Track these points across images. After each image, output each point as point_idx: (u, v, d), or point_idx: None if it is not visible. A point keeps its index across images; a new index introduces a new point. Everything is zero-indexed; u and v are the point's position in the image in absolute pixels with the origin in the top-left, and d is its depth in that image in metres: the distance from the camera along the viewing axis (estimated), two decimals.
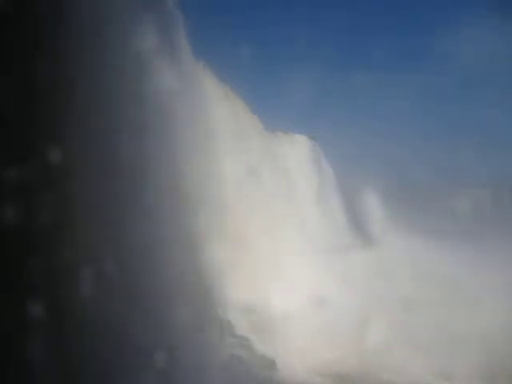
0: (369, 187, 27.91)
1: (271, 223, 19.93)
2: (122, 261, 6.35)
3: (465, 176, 35.49)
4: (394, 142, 34.23)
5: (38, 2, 5.73)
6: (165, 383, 7.26)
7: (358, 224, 27.42)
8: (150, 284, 7.16)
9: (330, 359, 14.86)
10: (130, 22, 7.48)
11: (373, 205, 27.90)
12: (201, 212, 10.28)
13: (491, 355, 15.32)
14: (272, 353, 14.36)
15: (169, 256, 7.95)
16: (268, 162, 22.10)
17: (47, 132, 5.60)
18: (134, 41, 7.62)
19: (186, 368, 7.81)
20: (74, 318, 5.72)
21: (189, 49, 14.77)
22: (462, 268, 19.39)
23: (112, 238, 6.41)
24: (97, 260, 5.98)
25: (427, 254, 20.53)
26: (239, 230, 17.09)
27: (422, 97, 54.03)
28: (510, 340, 15.51)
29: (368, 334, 15.85)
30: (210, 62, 18.68)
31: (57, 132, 5.67)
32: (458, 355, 15.38)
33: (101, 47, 6.49)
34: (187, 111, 11.65)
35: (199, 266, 9.61)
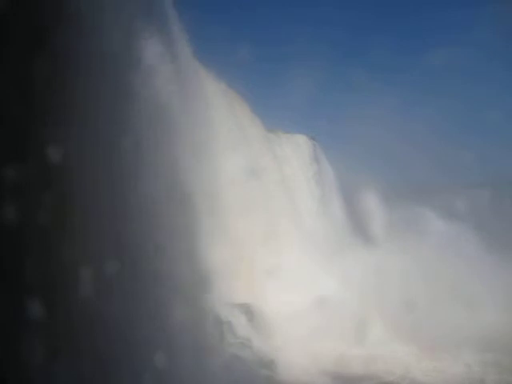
0: (369, 187, 27.88)
1: (271, 223, 19.91)
2: (122, 261, 6.34)
3: (465, 176, 35.52)
4: (395, 142, 34.19)
5: (37, 2, 5.72)
6: (164, 383, 7.26)
7: (358, 224, 27.38)
8: (150, 284, 7.16)
9: (330, 359, 14.85)
10: (128, 21, 7.47)
11: (373, 204, 27.86)
12: (201, 212, 10.27)
13: (491, 354, 15.32)
14: (272, 353, 14.34)
15: (168, 256, 7.95)
16: (268, 161, 22.08)
17: (46, 132, 5.60)
18: (134, 41, 7.62)
19: (185, 368, 7.81)
20: (74, 318, 5.72)
21: (188, 48, 14.74)
22: (461, 268, 19.38)
23: (111, 238, 6.40)
24: (96, 260, 5.98)
25: (427, 253, 20.50)
26: (239, 230, 17.07)
27: (423, 96, 54.00)
28: (510, 339, 15.52)
29: (368, 334, 15.84)
30: (209, 61, 18.67)
31: (56, 132, 5.67)
32: (458, 354, 15.38)
33: (100, 47, 6.48)
34: (187, 111, 11.64)
35: (199, 265, 9.60)
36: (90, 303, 5.71)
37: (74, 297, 5.65)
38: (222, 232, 14.40)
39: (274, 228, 20.01)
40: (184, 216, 8.99)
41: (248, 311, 16.10)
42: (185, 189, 9.25)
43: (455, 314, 16.40)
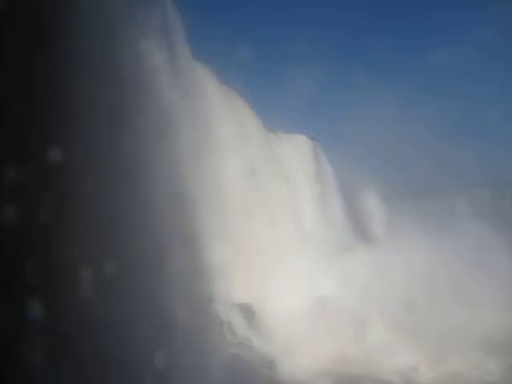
0: (369, 187, 27.88)
1: (271, 223, 19.91)
2: (122, 261, 6.34)
3: (465, 176, 35.52)
4: (395, 142, 34.18)
5: (37, 2, 5.72)
6: (165, 383, 7.26)
7: (358, 224, 27.39)
8: (150, 284, 7.16)
9: (329, 359, 14.85)
10: (128, 21, 7.48)
11: (373, 204, 27.87)
12: (201, 212, 10.27)
13: (492, 354, 15.32)
14: (272, 353, 14.35)
15: (168, 256, 7.94)
16: (268, 161, 22.07)
17: (47, 132, 5.60)
18: (133, 40, 7.62)
19: (185, 368, 7.81)
20: (74, 318, 5.72)
21: (188, 48, 14.74)
22: (461, 268, 19.38)
23: (112, 238, 6.40)
24: (96, 260, 5.97)
25: (427, 253, 20.51)
26: (239, 230, 17.07)
27: (423, 96, 53.95)
28: (510, 339, 15.52)
29: (368, 334, 15.84)
30: (209, 61, 18.66)
31: (57, 132, 5.67)
32: (459, 354, 15.38)
33: (100, 47, 6.48)
34: (187, 111, 11.64)
35: (199, 265, 9.60)
36: (90, 303, 5.70)
37: (75, 297, 5.65)
38: (221, 232, 14.40)
39: (273, 228, 20.00)
40: (184, 216, 8.99)
41: (248, 311, 16.12)
42: (185, 189, 9.25)
43: (456, 314, 16.39)
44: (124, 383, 6.55)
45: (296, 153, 26.11)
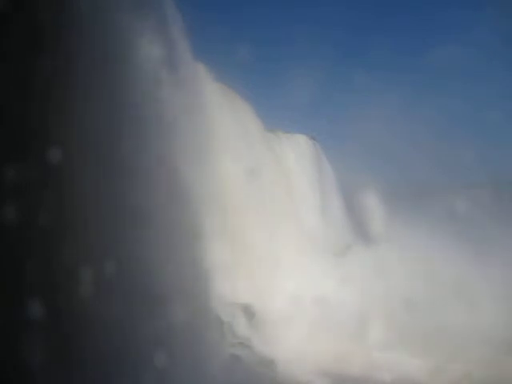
0: (369, 187, 27.87)
1: (271, 223, 19.91)
2: (122, 261, 6.34)
3: (465, 176, 35.47)
4: (395, 142, 34.14)
5: (38, 3, 5.73)
6: (164, 383, 7.26)
7: (358, 223, 27.39)
8: (150, 284, 7.16)
9: (330, 359, 14.84)
10: (128, 21, 7.48)
11: (373, 204, 27.86)
12: (201, 212, 10.28)
13: (490, 355, 15.29)
14: (272, 353, 14.34)
15: (168, 256, 7.95)
16: (268, 161, 22.06)
17: (47, 132, 5.60)
18: (134, 40, 7.62)
19: (185, 368, 7.81)
20: (74, 318, 5.72)
21: (188, 48, 14.73)
22: (461, 268, 19.36)
23: (112, 238, 6.41)
24: (96, 260, 5.98)
25: (427, 253, 20.49)
26: (239, 230, 17.07)
27: (423, 96, 53.75)
28: (510, 340, 15.49)
29: (368, 334, 15.82)
30: (209, 61, 18.64)
31: (56, 132, 5.67)
32: (460, 354, 15.36)
33: (100, 48, 6.49)
34: (187, 111, 11.64)
35: (199, 265, 9.61)
36: (90, 303, 5.71)
37: (75, 297, 5.65)
38: (221, 232, 14.40)
39: (274, 228, 20.00)
40: (184, 216, 8.99)
41: (248, 311, 16.11)
42: (185, 189, 9.26)
43: (457, 314, 16.37)
44: (124, 383, 6.55)
45: (296, 153, 26.09)
